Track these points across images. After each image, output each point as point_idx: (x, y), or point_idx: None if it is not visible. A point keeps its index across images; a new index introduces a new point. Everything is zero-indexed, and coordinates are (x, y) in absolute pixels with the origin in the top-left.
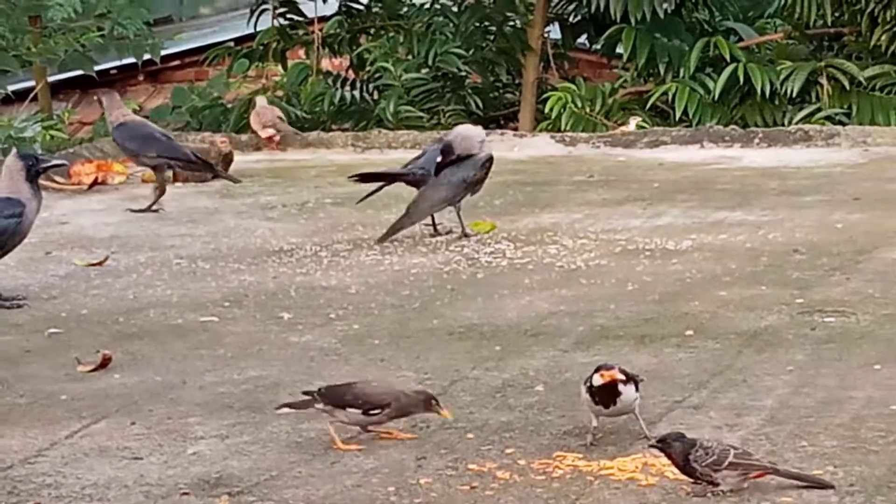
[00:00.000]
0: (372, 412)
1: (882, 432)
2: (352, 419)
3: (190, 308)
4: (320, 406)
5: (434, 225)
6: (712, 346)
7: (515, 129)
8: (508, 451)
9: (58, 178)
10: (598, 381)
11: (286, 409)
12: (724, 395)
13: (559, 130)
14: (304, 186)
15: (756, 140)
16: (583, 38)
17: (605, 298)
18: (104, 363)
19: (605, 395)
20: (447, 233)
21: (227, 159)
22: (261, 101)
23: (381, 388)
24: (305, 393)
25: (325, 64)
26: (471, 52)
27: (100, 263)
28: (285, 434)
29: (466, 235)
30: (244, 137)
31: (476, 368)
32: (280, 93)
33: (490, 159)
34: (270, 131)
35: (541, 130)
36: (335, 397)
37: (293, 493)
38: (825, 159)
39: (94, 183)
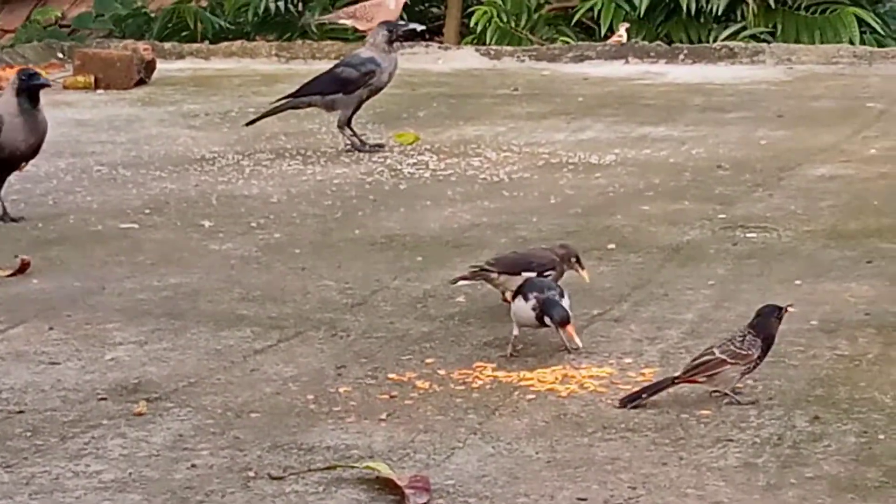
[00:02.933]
0: (546, 273)
1: (802, 347)
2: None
3: (110, 215)
4: (495, 275)
5: (357, 137)
6: (634, 260)
7: (441, 42)
8: (428, 361)
9: None
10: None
11: (462, 282)
12: (646, 309)
13: (484, 44)
14: (227, 96)
15: (681, 56)
16: None
17: (528, 211)
18: (22, 268)
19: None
20: (371, 147)
21: (150, 67)
22: None
23: (542, 251)
24: (472, 267)
25: None
26: None
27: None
28: (205, 341)
29: (359, 148)
30: (167, 45)
31: (397, 279)
32: (204, 3)
33: (371, 71)
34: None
35: (466, 44)
36: (508, 265)
37: (211, 399)
38: (750, 76)
39: None
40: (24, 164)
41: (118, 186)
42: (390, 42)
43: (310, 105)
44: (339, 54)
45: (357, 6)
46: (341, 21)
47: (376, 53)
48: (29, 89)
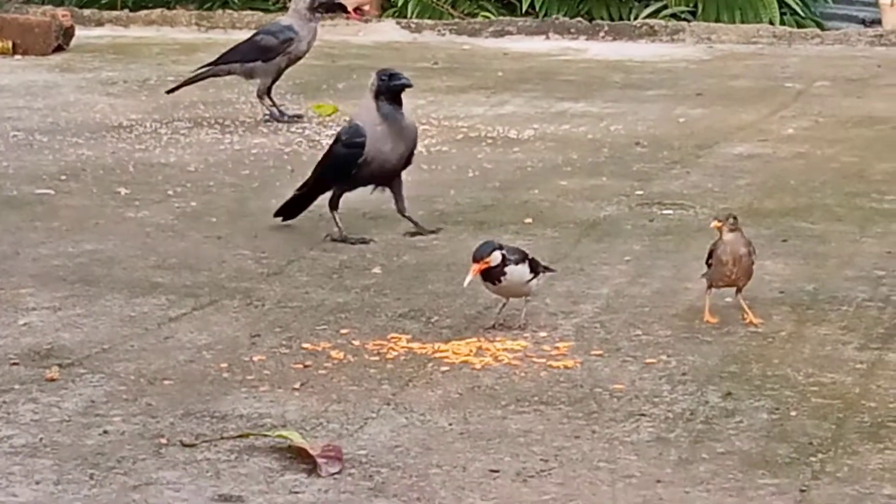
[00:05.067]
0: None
1: (716, 324)
2: None
3: (26, 180)
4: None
5: (276, 107)
6: (551, 235)
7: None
8: (343, 331)
9: None
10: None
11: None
12: (561, 283)
13: (405, 18)
14: (146, 64)
15: (601, 33)
16: None
17: (446, 184)
18: None
19: (490, 273)
20: (289, 118)
21: (69, 33)
22: None
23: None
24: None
25: None
26: None
27: None
28: (118, 308)
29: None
30: (86, 12)
31: (313, 249)
32: None
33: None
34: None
35: (387, 17)
36: None
37: (124, 366)
38: (669, 55)
39: None
40: None
41: (34, 152)
42: (311, 10)
43: (229, 73)
44: (259, 24)
45: None
46: None
47: (296, 21)
48: (389, 90)
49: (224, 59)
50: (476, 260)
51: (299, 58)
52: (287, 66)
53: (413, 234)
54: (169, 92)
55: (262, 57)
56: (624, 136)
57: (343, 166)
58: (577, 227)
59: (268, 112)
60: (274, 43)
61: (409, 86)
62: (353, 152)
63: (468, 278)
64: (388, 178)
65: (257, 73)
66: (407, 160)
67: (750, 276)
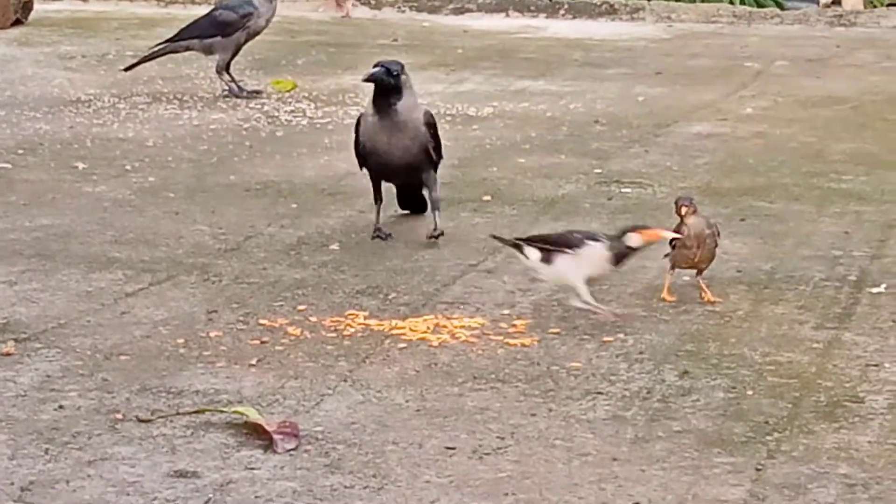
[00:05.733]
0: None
1: (673, 302)
2: None
3: None
4: None
5: (235, 83)
6: (509, 212)
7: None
8: (300, 307)
9: None
10: (636, 240)
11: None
12: (518, 261)
13: None
14: (104, 38)
15: (561, 11)
16: None
17: None
18: None
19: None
20: (248, 93)
21: (27, 7)
22: None
23: None
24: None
25: None
26: None
27: None
28: (75, 283)
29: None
30: None
31: (271, 225)
32: None
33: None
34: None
35: None
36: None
37: (80, 341)
38: (629, 33)
39: None
40: None
41: None
42: None
43: (188, 49)
44: None
45: None
46: None
47: None
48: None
49: (183, 35)
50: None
51: (258, 33)
52: (246, 42)
53: (432, 237)
54: (126, 69)
55: (221, 32)
56: (583, 114)
57: None
58: (536, 205)
59: (227, 87)
60: (233, 18)
61: (365, 80)
62: None
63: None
64: (401, 171)
65: (216, 49)
66: (424, 153)
67: (713, 259)
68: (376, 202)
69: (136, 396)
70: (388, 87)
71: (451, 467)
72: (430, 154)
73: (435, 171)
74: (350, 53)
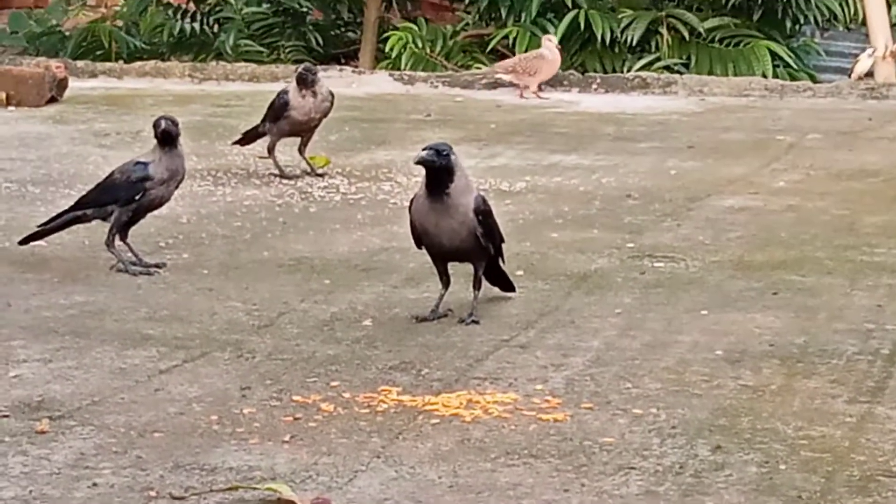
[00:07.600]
0: None
1: (706, 376)
2: None
3: (17, 232)
4: None
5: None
6: (542, 287)
7: (356, 66)
8: (334, 384)
9: None
10: None
11: None
12: (552, 336)
13: (399, 70)
14: (139, 115)
15: (594, 86)
16: None
17: None
18: None
19: None
20: (293, 176)
21: (62, 85)
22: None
23: None
24: None
25: None
26: None
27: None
28: (109, 360)
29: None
30: (80, 64)
31: (304, 301)
32: (119, 23)
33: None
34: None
35: (380, 69)
36: None
37: (115, 418)
38: (661, 107)
39: None
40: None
41: (27, 204)
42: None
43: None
44: (252, 76)
45: (516, 59)
46: (498, 76)
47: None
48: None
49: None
50: None
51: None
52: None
53: (462, 322)
54: (22, 242)
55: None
56: (615, 188)
57: None
58: (568, 280)
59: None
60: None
61: (417, 163)
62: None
63: None
64: (452, 254)
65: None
66: (473, 238)
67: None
68: (443, 286)
69: (169, 473)
70: (439, 169)
71: None
72: (480, 240)
73: (493, 256)
74: (383, 129)
